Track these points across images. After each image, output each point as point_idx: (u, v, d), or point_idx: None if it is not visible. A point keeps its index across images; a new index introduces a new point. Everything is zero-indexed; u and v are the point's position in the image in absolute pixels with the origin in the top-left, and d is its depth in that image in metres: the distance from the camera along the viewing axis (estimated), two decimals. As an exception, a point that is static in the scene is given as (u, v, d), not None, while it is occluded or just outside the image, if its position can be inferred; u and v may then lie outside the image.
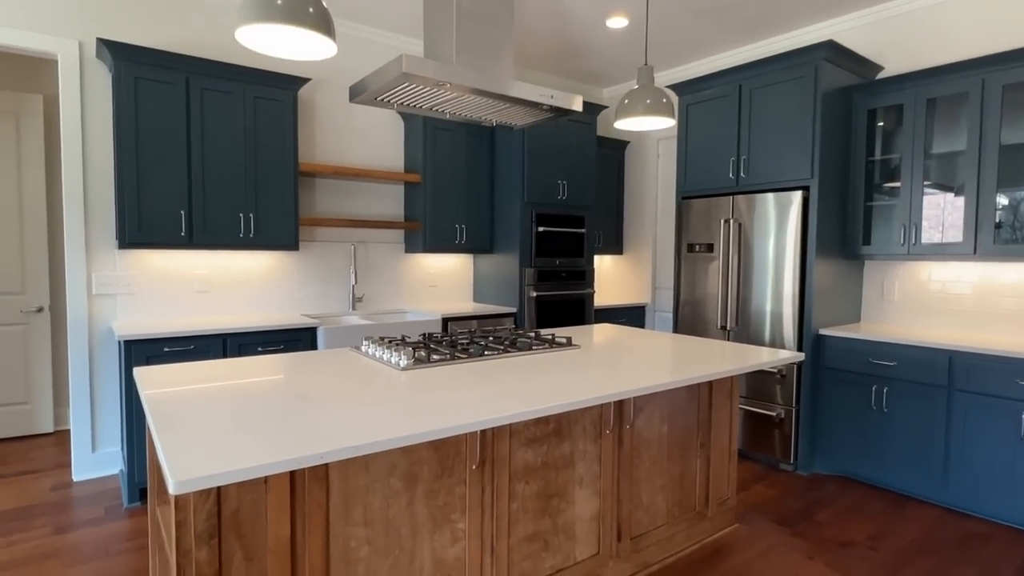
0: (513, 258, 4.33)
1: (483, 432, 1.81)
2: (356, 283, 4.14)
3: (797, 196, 3.40)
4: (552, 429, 1.99)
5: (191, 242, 3.24)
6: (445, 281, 4.64)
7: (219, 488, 1.35)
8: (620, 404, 2.20)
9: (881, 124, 3.56)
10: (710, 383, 2.56)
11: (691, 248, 4.00)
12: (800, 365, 3.45)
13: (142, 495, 2.97)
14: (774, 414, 3.51)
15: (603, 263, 5.60)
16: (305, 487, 1.47)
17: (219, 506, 1.35)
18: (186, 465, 1.14)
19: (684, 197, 4.08)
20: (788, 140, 3.47)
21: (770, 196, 3.53)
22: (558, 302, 4.49)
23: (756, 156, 3.64)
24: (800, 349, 3.44)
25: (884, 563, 2.45)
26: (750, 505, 3.00)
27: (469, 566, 1.79)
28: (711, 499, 2.58)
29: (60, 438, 3.95)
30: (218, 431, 1.36)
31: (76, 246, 3.18)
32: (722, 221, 3.79)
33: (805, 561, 2.45)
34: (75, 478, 3.23)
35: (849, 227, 3.58)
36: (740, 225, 3.70)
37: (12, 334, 3.90)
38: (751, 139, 3.66)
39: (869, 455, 3.23)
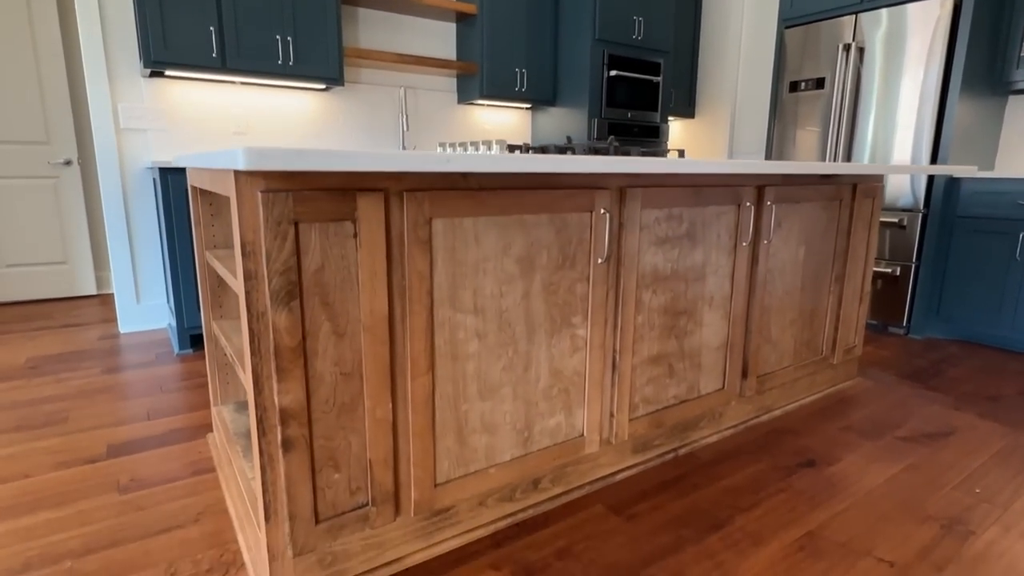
0: (579, 110, 3.81)
1: (611, 220, 1.42)
2: (408, 130, 3.71)
3: (943, 5, 2.77)
4: (685, 231, 1.60)
5: (224, 65, 2.81)
6: (501, 138, 4.16)
7: (297, 233, 1.00)
8: (759, 211, 1.78)
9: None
10: (851, 205, 2.11)
11: (794, 87, 3.42)
12: (925, 215, 2.96)
13: (193, 342, 2.75)
14: (888, 271, 3.08)
15: (672, 127, 5.02)
16: (404, 252, 1.12)
17: (298, 259, 1.01)
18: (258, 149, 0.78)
19: (788, 26, 3.45)
20: (939, -68, 2.78)
21: (907, 8, 2.89)
22: (629, 161, 4.00)
23: (891, -40, 2.96)
24: (928, 195, 2.94)
25: (1048, 415, 2.09)
26: (865, 363, 2.64)
27: (589, 382, 1.47)
28: (838, 344, 2.21)
29: (104, 300, 3.76)
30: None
31: (97, 72, 2.78)
32: (839, 47, 3.18)
33: (951, 412, 2.11)
34: (122, 330, 3.03)
35: (1003, 46, 2.95)
36: (861, 51, 3.10)
37: (42, 188, 3.62)
38: (886, -61, 2.97)
39: (1002, 314, 2.80)
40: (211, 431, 1.90)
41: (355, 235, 1.06)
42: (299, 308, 1.02)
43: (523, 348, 1.34)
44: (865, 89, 3.10)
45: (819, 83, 3.29)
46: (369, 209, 1.06)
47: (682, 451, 1.77)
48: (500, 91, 3.74)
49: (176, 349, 2.70)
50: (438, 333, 1.20)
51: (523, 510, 1.44)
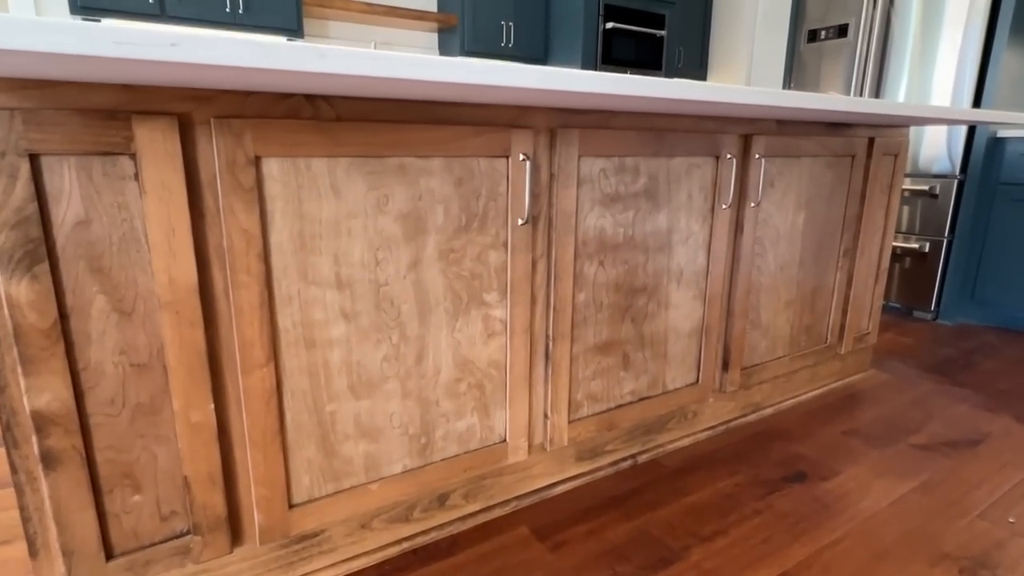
0: (571, 67, 3.44)
1: (535, 169, 1.11)
2: (379, 91, 3.40)
3: (994, -71, 2.33)
4: (643, 188, 1.28)
5: (163, 13, 2.53)
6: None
7: (37, 170, 0.71)
8: (745, 166, 1.44)
9: None
10: (867, 163, 1.75)
11: (813, 36, 3.00)
12: (962, 182, 2.55)
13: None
14: (916, 247, 2.68)
15: (681, 93, 4.60)
16: (220, 202, 0.83)
17: (42, 207, 0.73)
18: None
19: (808, -34, 3.01)
20: None
21: (949, -64, 2.46)
22: (627, 125, 3.63)
23: None
24: (967, 159, 2.53)
25: (1104, 419, 1.72)
26: (882, 352, 2.28)
27: (512, 375, 1.17)
28: (847, 331, 1.87)
29: None
30: None
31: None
32: (866, -13, 2.75)
33: (982, 413, 1.75)
34: None
35: (1062, -18, 2.49)
36: (892, -9, 2.66)
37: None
38: None
39: (1050, 297, 2.40)
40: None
41: (136, 176, 0.77)
42: (50, 276, 0.74)
43: (414, 332, 1.05)
44: (897, 36, 2.67)
45: (842, 31, 2.86)
46: (154, 140, 0.77)
47: (642, 458, 1.47)
48: (484, 47, 3.40)
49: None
50: (282, 312, 0.91)
51: (424, 532, 1.16)
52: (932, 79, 2.59)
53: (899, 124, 1.76)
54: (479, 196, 1.06)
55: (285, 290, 0.91)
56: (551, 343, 1.22)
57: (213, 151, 0.81)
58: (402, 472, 1.09)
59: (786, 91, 1.08)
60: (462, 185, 1.04)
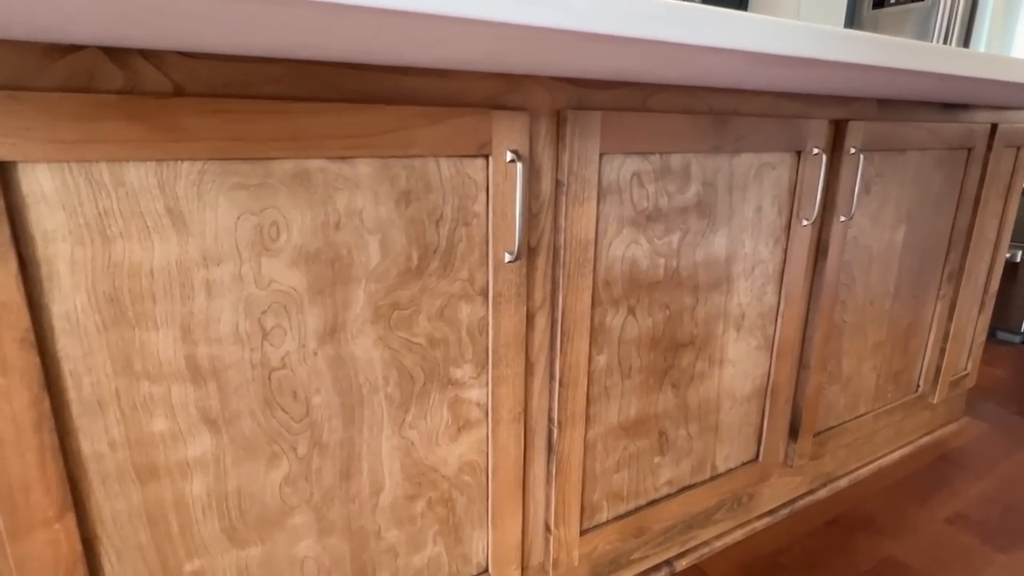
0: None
1: (531, 174, 0.71)
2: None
3: None
4: (693, 198, 0.87)
5: None
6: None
7: None
8: (835, 164, 1.02)
9: None
10: (985, 157, 1.31)
11: (880, 1, 2.52)
12: (1067, 177, 2.08)
13: None
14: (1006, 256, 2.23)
15: (713, 71, 4.12)
16: (-69, 247, 0.45)
17: None
18: None
19: (876, -84, 2.53)
20: None
21: None
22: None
23: None
24: (1075, 148, 2.06)
25: None
26: (971, 390, 1.85)
27: (496, 478, 0.79)
28: (943, 374, 1.45)
29: None
30: None
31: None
32: (951, -61, 2.26)
33: None
34: None
35: None
36: (985, -57, 2.18)
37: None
38: None
39: None
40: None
41: None
42: None
43: (335, 436, 0.66)
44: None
45: (917, -7, 2.38)
46: None
47: (681, 563, 1.08)
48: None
49: None
50: (88, 428, 0.53)
51: None
52: (1011, 50, 2.13)
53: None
54: (439, 219, 0.66)
55: (90, 392, 0.53)
56: (556, 429, 0.82)
57: (-97, 153, 0.43)
58: (324, 638, 0.72)
59: (959, 49, 0.66)
60: (410, 203, 0.64)
